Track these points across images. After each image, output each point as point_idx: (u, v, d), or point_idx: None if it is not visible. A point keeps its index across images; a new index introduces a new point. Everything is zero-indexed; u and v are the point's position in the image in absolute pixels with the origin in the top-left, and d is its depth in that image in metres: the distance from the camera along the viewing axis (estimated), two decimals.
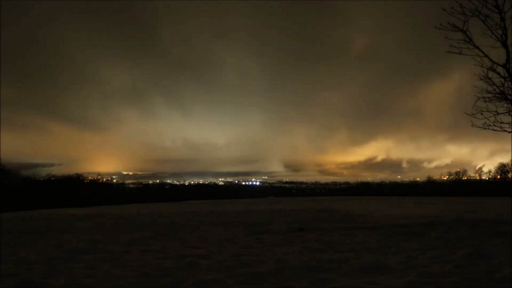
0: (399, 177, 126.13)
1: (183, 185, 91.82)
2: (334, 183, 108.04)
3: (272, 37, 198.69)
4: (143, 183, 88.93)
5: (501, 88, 8.37)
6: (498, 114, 8.61)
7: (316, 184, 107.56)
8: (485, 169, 64.08)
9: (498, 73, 8.33)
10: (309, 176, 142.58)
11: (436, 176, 73.87)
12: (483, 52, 8.31)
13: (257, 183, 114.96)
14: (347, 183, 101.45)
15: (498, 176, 58.53)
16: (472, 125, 8.98)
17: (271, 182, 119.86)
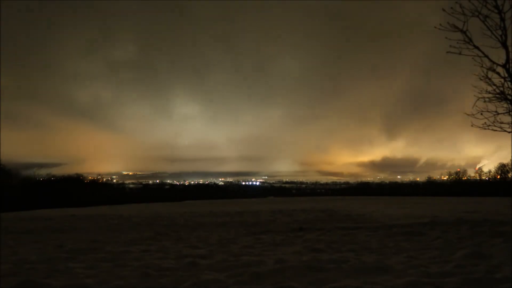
0: (399, 177, 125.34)
1: (183, 185, 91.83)
2: (334, 183, 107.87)
3: (302, 20, 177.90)
4: (143, 183, 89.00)
5: (501, 88, 8.38)
6: (498, 114, 8.62)
7: (316, 184, 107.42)
8: (485, 169, 64.17)
9: (498, 73, 8.33)
10: (309, 176, 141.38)
11: (436, 176, 73.94)
12: (482, 52, 8.32)
13: (257, 183, 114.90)
14: (347, 183, 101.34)
15: (498, 176, 58.57)
16: (472, 125, 9.00)
17: (271, 182, 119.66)
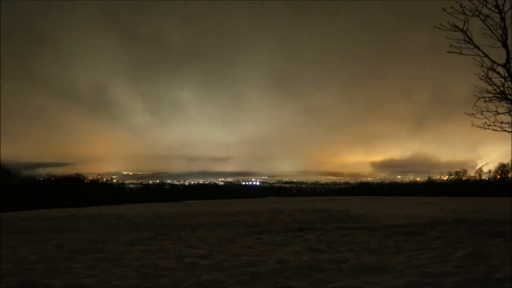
0: (399, 177, 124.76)
1: (183, 185, 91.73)
2: (334, 183, 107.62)
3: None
4: (143, 183, 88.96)
5: (501, 88, 8.38)
6: (498, 114, 8.63)
7: (316, 184, 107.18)
8: (485, 169, 64.09)
9: (498, 73, 8.34)
10: (309, 176, 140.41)
11: (436, 176, 73.88)
12: (483, 52, 8.32)
13: (257, 183, 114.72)
14: (347, 183, 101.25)
15: (498, 176, 58.52)
16: (472, 125, 9.00)
17: (271, 182, 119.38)
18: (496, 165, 59.48)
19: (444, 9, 8.20)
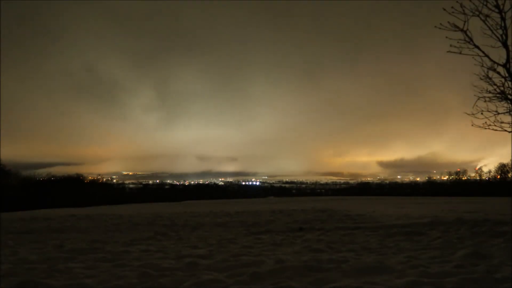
0: (399, 177, 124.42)
1: (183, 185, 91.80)
2: (334, 183, 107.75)
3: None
4: (143, 183, 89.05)
5: (502, 88, 8.37)
6: (498, 114, 8.61)
7: (316, 184, 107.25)
8: (485, 169, 64.08)
9: (498, 73, 8.33)
10: (309, 176, 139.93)
11: (436, 176, 73.97)
12: (483, 52, 8.31)
13: (257, 183, 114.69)
14: (347, 183, 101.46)
15: (498, 176, 58.56)
16: (472, 125, 9.00)
17: (271, 182, 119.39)
18: (496, 165, 59.59)
19: (444, 9, 8.19)
